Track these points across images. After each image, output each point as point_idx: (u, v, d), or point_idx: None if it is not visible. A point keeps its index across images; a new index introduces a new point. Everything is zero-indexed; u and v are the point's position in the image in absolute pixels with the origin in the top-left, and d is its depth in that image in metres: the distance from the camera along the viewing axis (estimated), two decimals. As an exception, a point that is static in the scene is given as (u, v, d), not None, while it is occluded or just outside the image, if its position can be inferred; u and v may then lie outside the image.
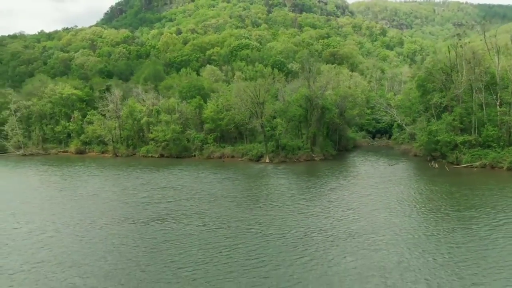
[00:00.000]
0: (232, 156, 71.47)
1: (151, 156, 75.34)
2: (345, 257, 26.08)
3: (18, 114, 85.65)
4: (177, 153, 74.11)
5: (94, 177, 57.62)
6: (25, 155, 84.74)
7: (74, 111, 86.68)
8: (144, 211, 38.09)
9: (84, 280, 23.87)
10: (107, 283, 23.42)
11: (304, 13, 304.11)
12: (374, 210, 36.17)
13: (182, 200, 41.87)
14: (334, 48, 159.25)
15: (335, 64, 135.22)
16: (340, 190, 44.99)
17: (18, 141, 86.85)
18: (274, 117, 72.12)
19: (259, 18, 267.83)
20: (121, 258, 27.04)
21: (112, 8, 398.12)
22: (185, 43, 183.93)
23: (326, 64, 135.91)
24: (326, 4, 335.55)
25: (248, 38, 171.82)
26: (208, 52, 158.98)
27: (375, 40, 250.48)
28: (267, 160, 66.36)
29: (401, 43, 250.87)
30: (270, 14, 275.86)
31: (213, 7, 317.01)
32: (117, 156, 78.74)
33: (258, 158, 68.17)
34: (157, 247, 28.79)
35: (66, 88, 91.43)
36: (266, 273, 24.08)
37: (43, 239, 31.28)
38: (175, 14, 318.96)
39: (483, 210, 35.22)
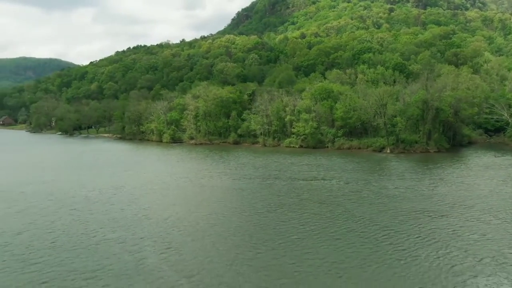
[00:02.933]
0: (359, 148, 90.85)
1: (293, 147, 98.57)
2: None
3: (193, 113, 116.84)
4: (313, 144, 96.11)
5: (259, 157, 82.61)
6: (195, 144, 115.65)
7: (232, 111, 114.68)
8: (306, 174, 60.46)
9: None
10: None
11: (428, 8, 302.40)
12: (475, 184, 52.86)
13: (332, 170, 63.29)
14: (457, 48, 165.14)
15: (457, 65, 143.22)
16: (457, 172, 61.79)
17: (191, 133, 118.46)
18: (395, 116, 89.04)
19: (381, 17, 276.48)
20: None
21: (238, 13, 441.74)
22: (309, 47, 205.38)
23: (448, 64, 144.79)
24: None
25: (369, 42, 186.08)
26: (332, 56, 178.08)
27: (509, 34, 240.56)
28: (388, 151, 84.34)
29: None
30: (392, 13, 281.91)
31: (334, 8, 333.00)
32: (265, 146, 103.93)
33: (380, 149, 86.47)
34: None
35: (223, 92, 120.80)
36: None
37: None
38: (297, 17, 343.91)
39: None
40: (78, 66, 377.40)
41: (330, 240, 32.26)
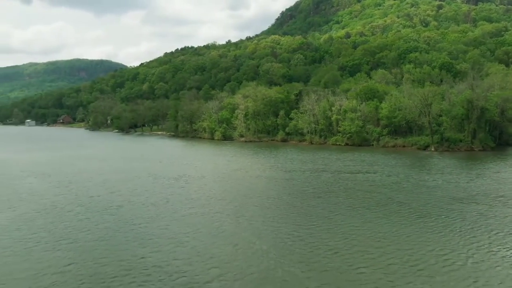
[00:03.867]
0: (403, 146, 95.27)
1: (338, 144, 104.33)
2: None
3: (243, 112, 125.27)
4: (359, 142, 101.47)
5: (307, 153, 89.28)
6: (245, 141, 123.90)
7: (280, 110, 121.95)
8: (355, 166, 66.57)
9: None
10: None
11: (480, 4, 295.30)
12: None
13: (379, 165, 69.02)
14: (509, 46, 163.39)
15: (508, 64, 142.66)
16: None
17: (241, 131, 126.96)
18: (440, 115, 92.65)
19: (428, 15, 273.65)
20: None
21: (282, 13, 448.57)
22: (354, 47, 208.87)
23: (499, 63, 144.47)
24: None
25: (416, 41, 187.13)
26: (377, 56, 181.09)
27: None
28: (433, 149, 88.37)
29: None
30: (441, 10, 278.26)
31: (380, 6, 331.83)
32: (312, 143, 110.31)
33: (425, 148, 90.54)
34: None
35: (272, 92, 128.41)
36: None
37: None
38: (341, 16, 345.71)
39: None
40: (127, 67, 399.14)
41: (374, 218, 38.62)
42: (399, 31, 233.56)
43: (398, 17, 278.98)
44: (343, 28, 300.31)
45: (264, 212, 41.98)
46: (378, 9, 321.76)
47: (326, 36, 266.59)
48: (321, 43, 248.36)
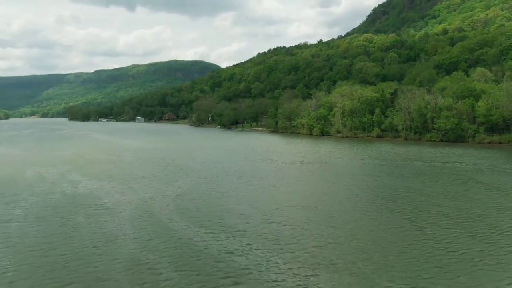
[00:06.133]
0: (499, 143, 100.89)
1: (433, 141, 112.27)
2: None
3: (340, 110, 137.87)
4: (454, 138, 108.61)
5: (401, 147, 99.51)
6: (342, 137, 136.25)
7: (375, 108, 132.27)
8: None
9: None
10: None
11: None
12: None
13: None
14: None
15: None
16: None
17: (338, 127, 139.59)
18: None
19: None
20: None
21: (374, 9, 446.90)
22: (452, 44, 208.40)
23: None
24: None
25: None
26: (476, 53, 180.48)
27: None
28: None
29: None
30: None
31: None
32: (406, 139, 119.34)
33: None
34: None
35: (368, 91, 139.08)
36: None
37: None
38: (439, 10, 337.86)
39: None
40: (219, 66, 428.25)
41: (464, 192, 49.79)
42: (503, 25, 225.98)
43: (502, 10, 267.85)
44: (440, 23, 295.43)
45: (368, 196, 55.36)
46: (480, 1, 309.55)
47: (421, 33, 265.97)
48: (416, 41, 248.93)
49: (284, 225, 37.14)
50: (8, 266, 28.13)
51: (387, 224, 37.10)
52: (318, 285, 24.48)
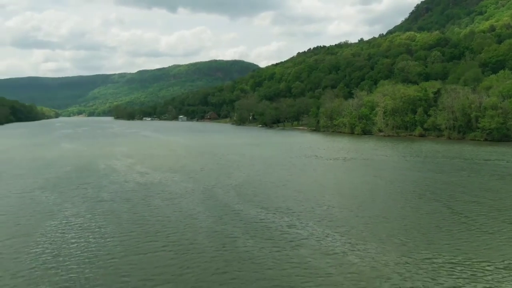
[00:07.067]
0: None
1: (477, 140, 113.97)
2: None
3: (383, 109, 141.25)
4: (498, 138, 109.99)
5: (443, 146, 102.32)
6: (383, 136, 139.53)
7: (418, 107, 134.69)
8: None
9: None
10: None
11: None
12: None
13: None
14: None
15: None
16: None
17: (380, 126, 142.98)
18: None
19: None
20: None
21: (417, 6, 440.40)
22: (499, 42, 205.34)
23: None
24: None
25: None
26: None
27: None
28: None
29: None
30: None
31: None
32: (450, 139, 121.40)
33: None
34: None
35: (410, 91, 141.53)
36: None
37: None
38: (486, 6, 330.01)
39: None
40: (258, 66, 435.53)
41: (502, 186, 53.71)
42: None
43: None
44: (487, 20, 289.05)
45: (408, 187, 60.15)
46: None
47: (467, 30, 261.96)
48: (461, 38, 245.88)
49: (334, 207, 43.30)
50: (115, 235, 35.68)
51: (425, 210, 42.30)
52: (367, 250, 30.46)
